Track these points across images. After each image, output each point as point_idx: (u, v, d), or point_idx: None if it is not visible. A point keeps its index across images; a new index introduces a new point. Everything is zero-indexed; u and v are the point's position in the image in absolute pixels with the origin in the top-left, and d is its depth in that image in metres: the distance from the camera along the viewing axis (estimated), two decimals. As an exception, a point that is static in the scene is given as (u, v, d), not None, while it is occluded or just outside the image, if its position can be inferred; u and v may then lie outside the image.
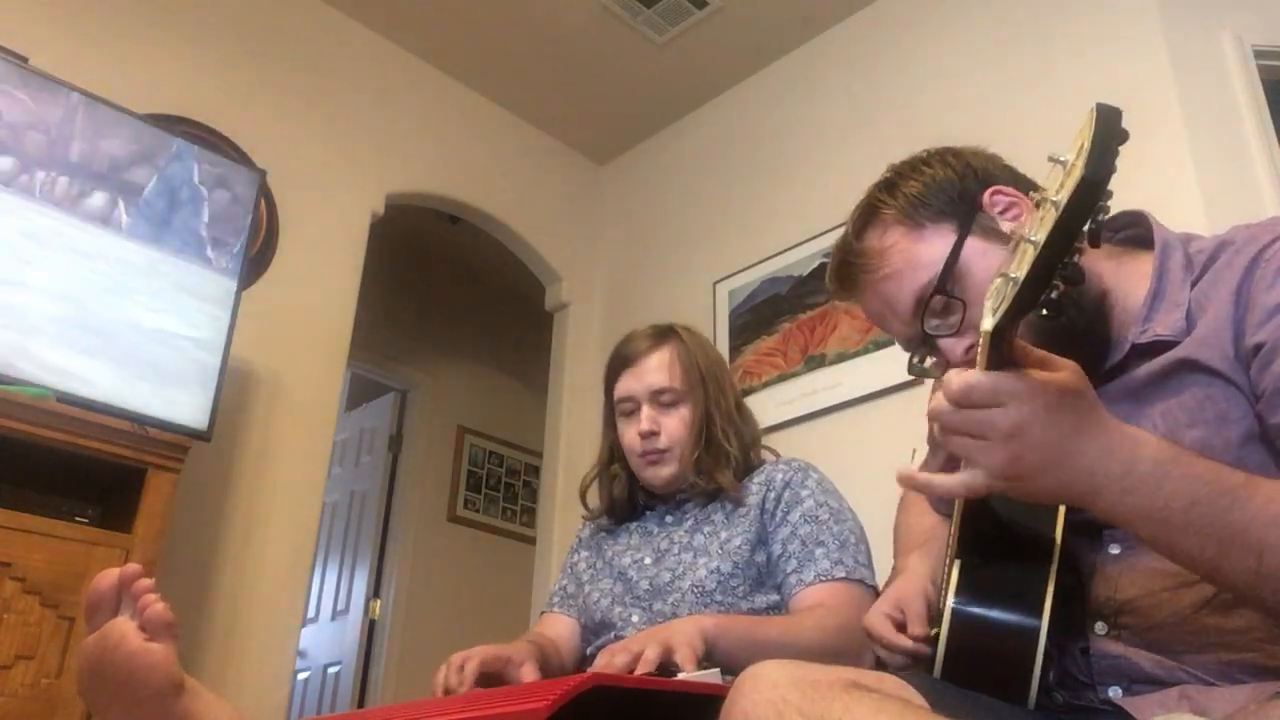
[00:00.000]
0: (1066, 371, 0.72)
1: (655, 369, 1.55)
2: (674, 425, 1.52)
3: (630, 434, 1.55)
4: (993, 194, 1.01)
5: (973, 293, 0.95)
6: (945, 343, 0.99)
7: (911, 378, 2.43)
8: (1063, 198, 0.62)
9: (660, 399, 1.54)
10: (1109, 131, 0.61)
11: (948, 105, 2.79)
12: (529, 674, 1.30)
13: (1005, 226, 0.98)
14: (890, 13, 3.16)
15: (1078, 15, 2.64)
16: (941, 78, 2.89)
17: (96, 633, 1.02)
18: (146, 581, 1.04)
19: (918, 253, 1.00)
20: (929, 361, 1.02)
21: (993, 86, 2.73)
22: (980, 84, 2.77)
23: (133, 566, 1.05)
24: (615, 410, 1.60)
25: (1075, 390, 0.72)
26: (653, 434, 1.52)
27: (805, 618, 1.33)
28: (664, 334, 1.60)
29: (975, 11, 2.90)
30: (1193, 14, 2.48)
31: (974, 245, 0.98)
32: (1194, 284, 0.92)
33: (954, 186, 1.01)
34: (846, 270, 1.07)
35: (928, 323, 0.98)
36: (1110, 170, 0.60)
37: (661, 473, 1.53)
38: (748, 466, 1.56)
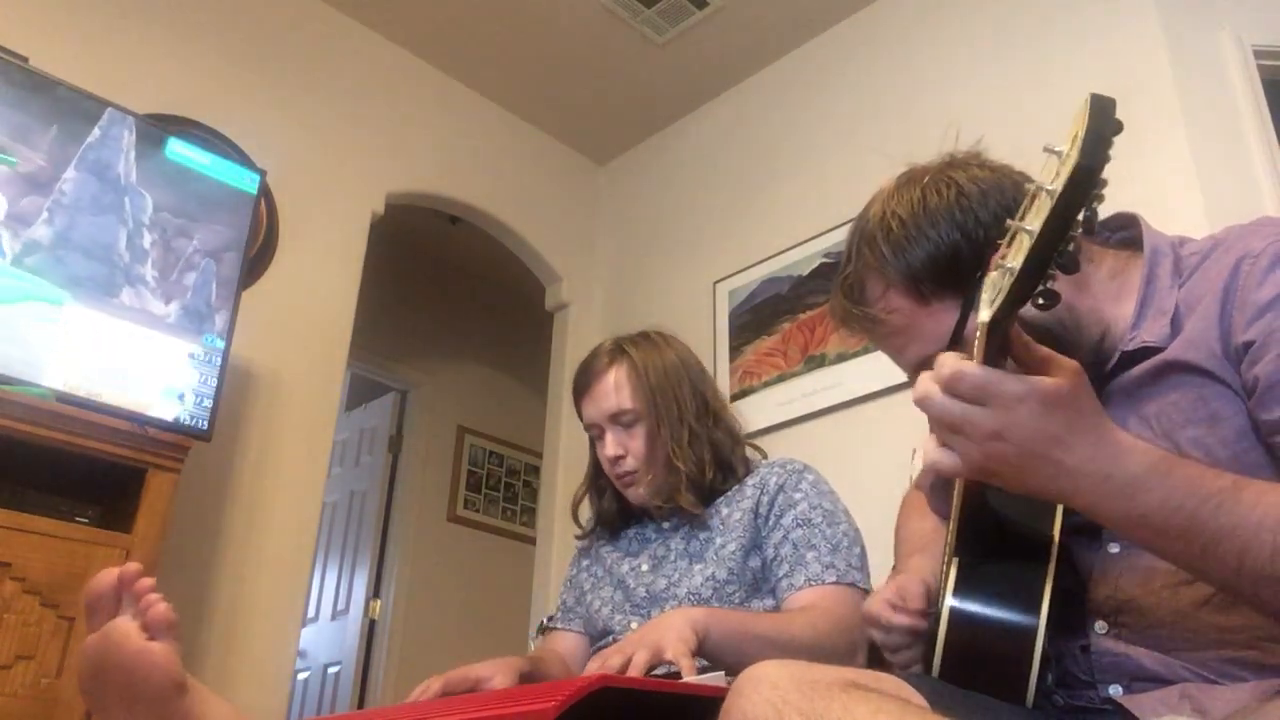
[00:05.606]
0: (1064, 374, 0.71)
1: (609, 392, 1.54)
2: (638, 445, 1.52)
3: (602, 458, 1.56)
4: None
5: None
6: None
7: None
8: (1058, 186, 0.62)
9: (620, 420, 1.53)
10: (1103, 121, 0.61)
11: (947, 105, 2.78)
12: (500, 687, 1.29)
13: None
14: (890, 14, 3.16)
15: (1077, 15, 2.64)
16: (941, 77, 2.89)
17: (98, 632, 1.02)
18: (148, 580, 1.04)
19: (922, 327, 1.00)
20: None
21: (992, 87, 2.74)
22: (979, 85, 2.77)
23: (132, 565, 1.05)
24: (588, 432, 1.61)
25: (1066, 395, 0.71)
26: (620, 458, 1.52)
27: (797, 615, 1.32)
28: (616, 353, 1.58)
29: (975, 12, 2.90)
30: (1192, 14, 2.48)
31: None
32: (1183, 285, 0.93)
33: (960, 256, 0.96)
34: (849, 317, 1.06)
35: None
36: (1104, 158, 0.61)
37: (638, 492, 1.53)
38: (725, 474, 1.53)
